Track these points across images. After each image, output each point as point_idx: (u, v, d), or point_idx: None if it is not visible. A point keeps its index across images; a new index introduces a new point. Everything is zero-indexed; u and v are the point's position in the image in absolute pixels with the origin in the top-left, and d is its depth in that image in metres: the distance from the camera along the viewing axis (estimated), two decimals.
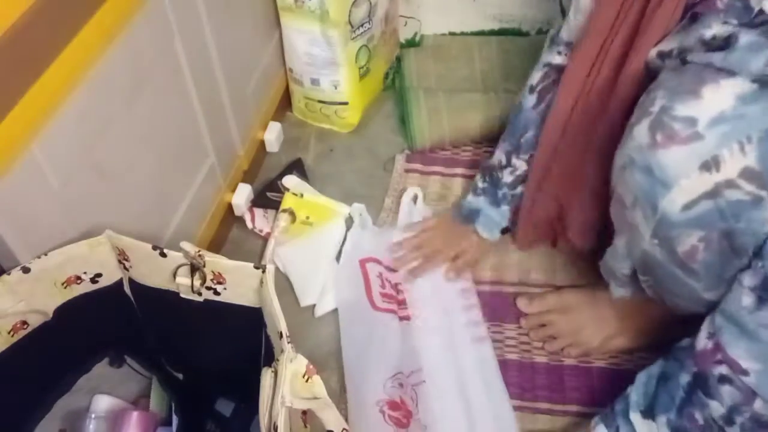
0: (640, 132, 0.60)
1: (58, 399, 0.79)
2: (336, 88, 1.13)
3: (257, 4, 1.04)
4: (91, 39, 0.62)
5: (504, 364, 0.88)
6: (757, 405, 0.60)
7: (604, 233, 0.79)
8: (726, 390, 0.62)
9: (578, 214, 0.85)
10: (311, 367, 0.57)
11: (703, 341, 0.64)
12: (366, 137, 1.19)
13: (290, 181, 1.07)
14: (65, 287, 0.68)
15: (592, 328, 0.88)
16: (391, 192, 1.09)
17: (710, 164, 0.56)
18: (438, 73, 1.26)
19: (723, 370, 0.61)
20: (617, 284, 0.79)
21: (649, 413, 0.69)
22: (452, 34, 1.33)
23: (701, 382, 0.64)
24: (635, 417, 0.70)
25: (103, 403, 0.80)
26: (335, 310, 0.94)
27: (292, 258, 0.99)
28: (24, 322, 0.68)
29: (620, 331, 0.87)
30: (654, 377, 0.71)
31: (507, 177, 0.91)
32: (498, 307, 0.95)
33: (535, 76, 0.87)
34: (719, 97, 0.56)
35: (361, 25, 1.09)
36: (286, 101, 1.21)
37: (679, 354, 0.68)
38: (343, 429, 0.58)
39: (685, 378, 0.66)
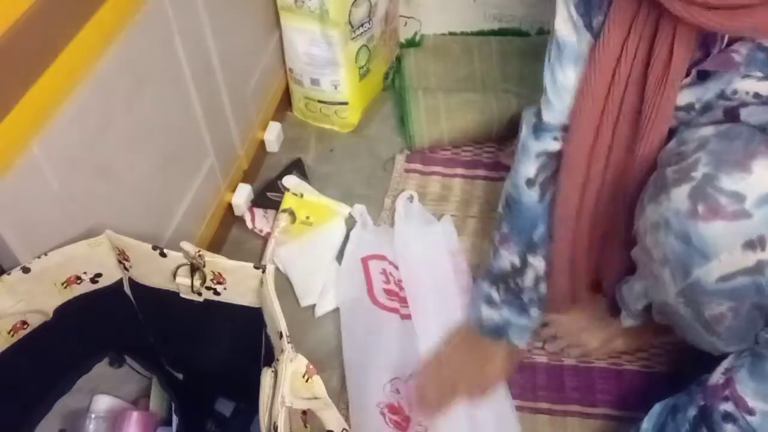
0: (679, 196, 0.58)
1: (58, 399, 0.79)
2: (336, 88, 1.13)
3: (257, 4, 1.04)
4: (91, 39, 0.62)
5: None
6: None
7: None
8: (729, 429, 0.61)
9: (616, 267, 0.79)
10: (311, 367, 0.57)
11: (717, 375, 0.63)
12: (366, 137, 1.19)
13: (290, 181, 1.07)
14: (65, 287, 0.68)
15: (592, 328, 0.88)
16: (391, 192, 1.09)
17: (755, 243, 0.54)
18: (438, 73, 1.26)
19: (729, 407, 0.60)
20: (628, 315, 0.78)
21: None
22: (452, 34, 1.33)
23: (706, 417, 0.63)
24: None
25: (103, 403, 0.80)
26: (335, 310, 0.94)
27: (292, 258, 0.99)
28: (24, 322, 0.68)
29: (621, 332, 0.87)
30: (667, 409, 0.69)
31: (527, 280, 0.82)
32: None
33: (530, 169, 0.79)
34: None
35: (361, 25, 1.09)
36: (286, 101, 1.21)
37: (693, 387, 0.67)
38: (343, 429, 0.58)
39: (692, 412, 0.65)
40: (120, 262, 0.69)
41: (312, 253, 0.99)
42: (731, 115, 0.61)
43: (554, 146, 0.76)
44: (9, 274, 0.62)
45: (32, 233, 0.63)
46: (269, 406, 0.56)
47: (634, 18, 0.62)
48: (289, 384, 0.56)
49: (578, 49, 0.69)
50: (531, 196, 0.80)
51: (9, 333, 0.67)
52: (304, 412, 0.67)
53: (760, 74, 0.58)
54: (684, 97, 0.64)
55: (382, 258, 0.98)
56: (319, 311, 0.94)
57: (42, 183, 0.61)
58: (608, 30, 0.64)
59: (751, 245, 0.54)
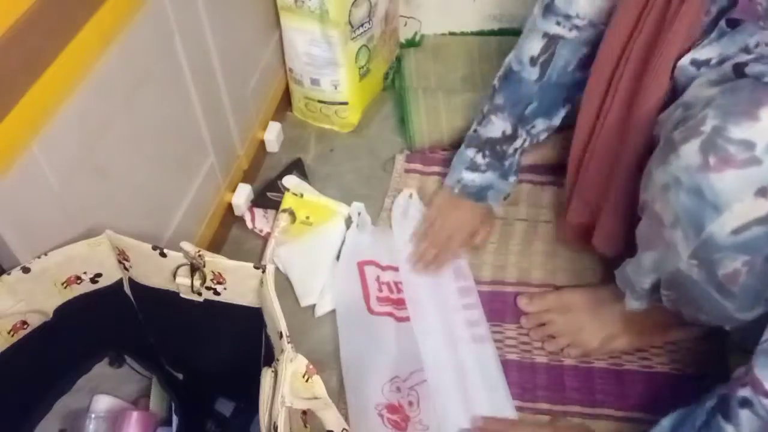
0: (689, 152, 0.58)
1: (58, 399, 0.79)
2: (336, 88, 1.13)
3: (257, 4, 1.04)
4: (91, 39, 0.62)
5: (504, 364, 0.88)
6: None
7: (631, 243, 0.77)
8: (745, 415, 0.60)
9: (606, 221, 0.84)
10: (311, 367, 0.57)
11: (740, 370, 0.62)
12: (366, 137, 1.19)
13: (290, 181, 1.07)
14: (65, 287, 0.68)
15: (592, 328, 0.88)
16: (391, 192, 1.09)
17: (767, 190, 0.54)
18: (438, 73, 1.26)
19: (746, 392, 0.60)
20: (634, 296, 0.77)
21: None
22: (452, 34, 1.33)
23: (723, 404, 0.62)
24: None
25: (103, 403, 0.80)
26: (335, 310, 0.94)
27: (292, 258, 0.99)
28: (24, 322, 0.68)
29: (621, 331, 0.87)
30: (687, 409, 0.68)
31: (513, 148, 0.92)
32: (498, 307, 0.95)
33: (535, 46, 0.84)
34: None
35: (361, 25, 1.09)
36: (286, 101, 1.21)
37: (717, 386, 0.65)
38: (343, 429, 0.58)
39: (711, 402, 0.64)
40: (120, 262, 0.69)
41: (312, 253, 0.99)
42: (738, 71, 0.61)
43: (555, 30, 0.82)
44: (9, 274, 0.62)
45: (32, 233, 0.63)
46: (269, 406, 0.56)
47: None
48: (289, 384, 0.56)
49: None
50: (531, 73, 0.86)
51: (9, 333, 0.67)
52: (304, 412, 0.67)
53: None
54: (705, 52, 0.64)
55: (377, 265, 0.98)
56: (319, 311, 0.94)
57: (42, 183, 0.61)
58: None
59: (763, 192, 0.54)
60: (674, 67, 0.68)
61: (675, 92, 0.69)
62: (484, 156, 0.94)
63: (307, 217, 1.03)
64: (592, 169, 0.82)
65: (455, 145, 1.14)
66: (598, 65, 0.75)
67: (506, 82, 0.89)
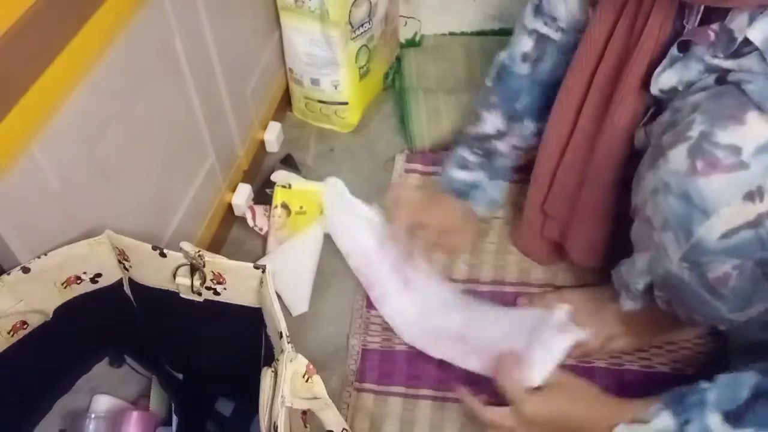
0: (676, 157, 0.59)
1: (58, 399, 0.79)
2: (336, 88, 1.13)
3: (257, 4, 1.04)
4: (91, 39, 0.62)
5: None
6: None
7: (616, 248, 0.78)
8: None
9: (580, 235, 0.85)
10: (311, 367, 0.57)
11: None
12: (366, 137, 1.19)
13: (278, 175, 1.07)
14: (65, 287, 0.68)
15: (592, 328, 0.88)
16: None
17: (754, 194, 0.54)
18: (438, 73, 1.26)
19: None
20: (629, 297, 0.77)
21: (733, 420, 0.59)
22: (452, 34, 1.33)
23: None
24: (714, 417, 0.60)
25: (103, 403, 0.80)
26: (330, 306, 0.94)
27: (276, 271, 0.97)
28: (24, 322, 0.68)
29: (621, 332, 0.87)
30: (744, 386, 0.61)
31: (503, 146, 0.91)
32: None
33: (526, 44, 0.86)
34: (765, 124, 0.54)
35: (361, 25, 1.09)
36: (286, 101, 1.21)
37: None
38: (343, 429, 0.58)
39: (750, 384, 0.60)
40: (120, 262, 0.69)
41: (294, 264, 0.98)
42: (722, 81, 0.62)
43: (544, 29, 0.84)
44: (9, 274, 0.62)
45: (32, 233, 0.63)
46: (269, 406, 0.56)
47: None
48: (289, 384, 0.56)
49: None
50: (522, 69, 0.87)
51: (9, 333, 0.67)
52: (304, 412, 0.67)
53: (721, 55, 0.60)
54: (668, 80, 0.65)
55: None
56: (295, 312, 0.94)
57: (42, 183, 0.61)
58: (600, 12, 0.71)
59: (750, 196, 0.55)
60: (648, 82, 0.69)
61: (660, 104, 0.70)
62: (474, 154, 0.93)
63: (301, 207, 1.03)
64: (562, 186, 0.83)
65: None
66: (573, 79, 0.76)
67: (499, 79, 0.90)
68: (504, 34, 1.30)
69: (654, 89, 0.67)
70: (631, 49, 0.68)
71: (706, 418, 0.60)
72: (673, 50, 0.65)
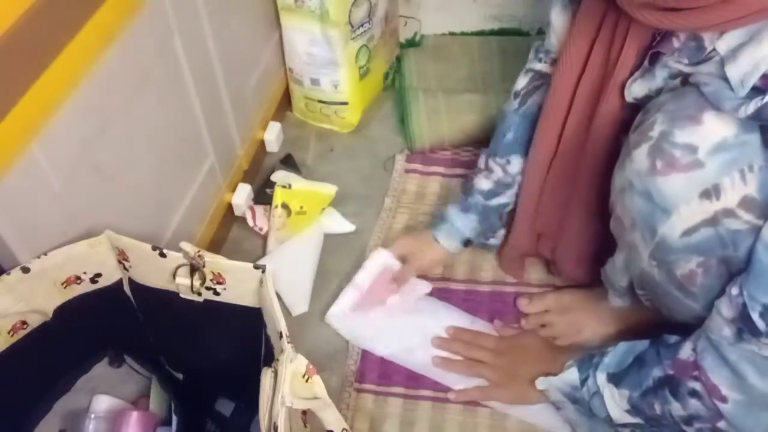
0: (639, 156, 0.60)
1: (58, 399, 0.79)
2: (336, 88, 1.13)
3: (257, 4, 1.04)
4: (91, 39, 0.62)
5: None
6: (721, 425, 0.62)
7: (604, 247, 0.78)
8: (693, 403, 0.63)
9: (570, 248, 0.86)
10: (311, 367, 0.57)
11: (687, 352, 0.64)
12: (366, 137, 1.19)
13: (277, 175, 1.07)
14: (65, 287, 0.68)
15: (591, 328, 0.88)
16: (391, 192, 1.09)
17: (710, 192, 0.56)
18: (438, 73, 1.26)
19: (697, 386, 0.62)
20: (615, 294, 0.80)
21: (614, 380, 0.71)
22: (452, 34, 1.33)
23: (672, 385, 0.65)
24: (601, 376, 0.72)
25: (103, 403, 0.80)
26: (330, 306, 0.94)
27: (276, 271, 0.97)
28: (24, 322, 0.68)
29: (620, 332, 0.87)
30: (632, 354, 0.72)
31: (481, 182, 0.89)
32: (498, 308, 0.94)
33: (521, 82, 0.88)
34: (720, 123, 0.56)
35: (361, 25, 1.09)
36: (286, 101, 1.21)
37: (662, 349, 0.68)
38: (343, 429, 0.58)
39: (657, 373, 0.66)
40: (120, 262, 0.69)
41: (294, 264, 0.98)
42: (686, 84, 0.63)
43: (538, 66, 0.86)
44: (9, 274, 0.62)
45: (32, 233, 0.63)
46: (269, 406, 0.56)
47: (601, 23, 0.68)
48: (289, 384, 0.56)
49: None
50: (512, 104, 0.88)
51: (9, 333, 0.67)
52: (304, 412, 0.67)
53: (686, 61, 0.61)
54: (639, 90, 0.67)
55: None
56: (295, 311, 0.94)
57: (42, 183, 0.61)
58: (575, 33, 0.72)
59: (707, 194, 0.56)
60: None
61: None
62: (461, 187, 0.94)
63: (301, 207, 1.03)
64: (550, 196, 0.83)
65: (455, 145, 1.15)
66: (557, 95, 0.76)
67: (498, 119, 0.91)
68: (504, 34, 1.31)
69: (629, 98, 0.68)
70: (609, 74, 0.68)
71: (597, 377, 0.72)
72: (645, 63, 0.66)
